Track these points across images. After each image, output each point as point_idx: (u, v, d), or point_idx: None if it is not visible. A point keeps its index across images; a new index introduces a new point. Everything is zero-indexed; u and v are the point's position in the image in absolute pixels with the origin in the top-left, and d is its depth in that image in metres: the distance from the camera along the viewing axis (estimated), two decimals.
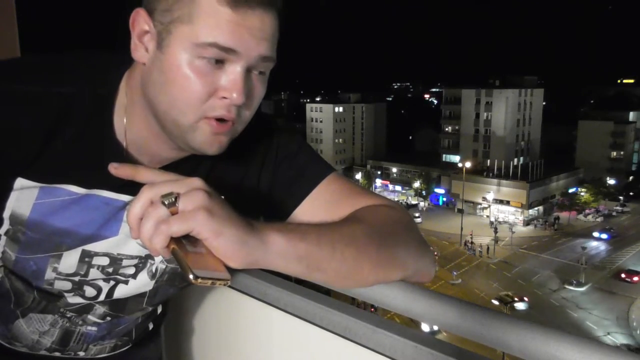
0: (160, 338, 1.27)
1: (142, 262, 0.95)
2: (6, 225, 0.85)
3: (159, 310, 1.15)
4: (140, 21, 0.75)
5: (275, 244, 0.68)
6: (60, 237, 0.87)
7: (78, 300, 0.95)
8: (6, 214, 0.84)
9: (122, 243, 0.91)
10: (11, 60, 0.89)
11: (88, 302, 0.96)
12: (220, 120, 0.75)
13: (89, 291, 0.94)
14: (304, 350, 1.16)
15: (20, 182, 0.82)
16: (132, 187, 0.85)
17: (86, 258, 0.90)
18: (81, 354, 1.04)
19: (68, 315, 0.98)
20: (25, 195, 0.83)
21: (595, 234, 49.13)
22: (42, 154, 0.79)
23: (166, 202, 0.61)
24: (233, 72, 0.72)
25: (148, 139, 0.82)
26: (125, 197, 0.87)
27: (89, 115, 0.80)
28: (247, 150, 0.94)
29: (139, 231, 0.62)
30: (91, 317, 0.99)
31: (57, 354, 1.02)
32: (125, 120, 0.82)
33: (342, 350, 1.05)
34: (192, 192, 0.62)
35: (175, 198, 0.62)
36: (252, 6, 0.71)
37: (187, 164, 0.87)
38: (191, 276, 0.58)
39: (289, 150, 0.96)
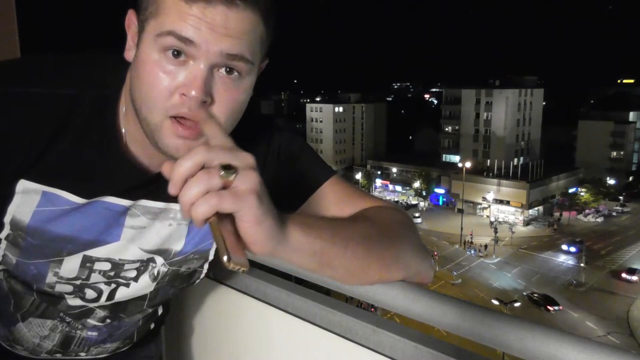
0: (160, 338, 1.27)
1: (143, 265, 0.95)
2: (7, 229, 0.85)
3: (160, 311, 1.15)
4: (131, 22, 0.77)
5: (294, 239, 0.68)
6: (60, 243, 0.86)
7: (78, 302, 0.95)
8: (7, 219, 0.84)
9: (124, 248, 0.90)
10: (13, 61, 0.88)
11: (88, 304, 0.96)
12: (185, 121, 0.73)
13: (90, 293, 0.94)
14: (304, 350, 1.16)
15: (23, 184, 0.81)
16: (133, 192, 0.86)
17: (87, 263, 0.89)
18: (82, 354, 1.05)
19: (67, 320, 0.97)
20: (27, 200, 0.82)
21: (564, 247, 46.09)
22: (45, 155, 0.79)
23: (224, 175, 0.58)
24: (194, 69, 0.71)
25: (143, 140, 0.80)
26: (126, 202, 0.86)
27: (92, 116, 0.80)
28: (247, 152, 0.92)
29: (180, 191, 0.58)
30: (91, 321, 0.99)
31: (58, 355, 1.03)
32: (124, 122, 0.82)
33: (342, 350, 1.05)
34: (249, 170, 0.60)
35: (235, 173, 0.59)
36: (211, 1, 0.69)
37: None
38: (225, 257, 0.57)
39: (291, 152, 0.96)
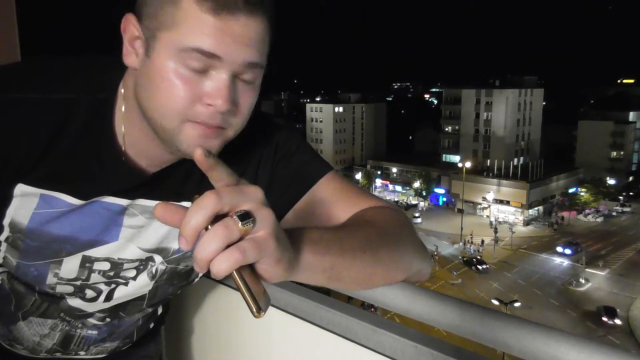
0: (160, 337, 1.27)
1: (142, 264, 0.95)
2: (6, 232, 0.85)
3: (159, 311, 1.15)
4: (130, 27, 0.75)
5: (304, 259, 0.66)
6: (59, 244, 0.87)
7: (78, 302, 0.95)
8: (6, 222, 0.84)
9: (123, 248, 0.91)
10: (10, 66, 0.88)
11: (88, 304, 0.96)
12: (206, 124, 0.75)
13: (89, 293, 0.95)
14: (304, 350, 1.16)
15: (20, 188, 0.81)
16: (131, 192, 0.86)
17: (87, 263, 0.90)
18: (82, 353, 1.05)
19: (67, 319, 0.98)
20: (25, 203, 0.83)
21: (559, 249, 46.10)
22: (43, 160, 0.79)
23: (242, 227, 0.55)
24: (218, 79, 0.72)
25: (146, 143, 0.81)
26: (123, 201, 0.87)
27: (89, 119, 0.80)
28: (245, 149, 0.92)
29: (193, 245, 0.54)
30: (91, 320, 1.00)
31: (57, 354, 1.03)
32: (123, 125, 0.81)
33: (342, 350, 1.05)
34: (264, 211, 0.57)
35: (253, 221, 0.55)
36: (234, 13, 0.69)
37: (184, 165, 0.87)
38: (255, 309, 0.54)
39: (287, 148, 0.95)
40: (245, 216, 0.55)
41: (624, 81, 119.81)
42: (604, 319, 34.16)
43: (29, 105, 0.77)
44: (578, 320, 34.60)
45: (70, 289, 0.92)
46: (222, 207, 0.54)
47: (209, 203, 0.54)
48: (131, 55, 0.76)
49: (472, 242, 47.72)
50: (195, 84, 0.72)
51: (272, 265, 0.58)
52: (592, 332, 32.29)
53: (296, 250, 0.64)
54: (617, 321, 33.98)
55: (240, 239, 0.54)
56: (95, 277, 0.92)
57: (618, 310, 34.87)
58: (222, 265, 0.53)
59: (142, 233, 0.91)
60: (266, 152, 0.94)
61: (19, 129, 0.77)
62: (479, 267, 41.77)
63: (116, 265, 0.92)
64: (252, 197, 0.57)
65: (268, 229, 0.56)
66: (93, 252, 0.89)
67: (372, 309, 21.04)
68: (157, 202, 0.90)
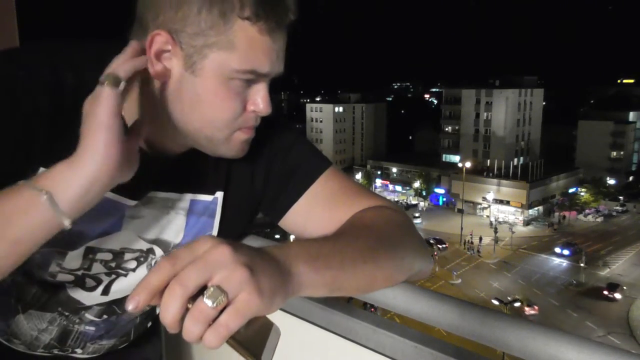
0: (160, 338, 1.26)
1: (143, 256, 0.95)
2: None
3: (158, 309, 1.13)
4: (159, 41, 0.75)
5: (305, 278, 0.66)
6: (66, 236, 0.87)
7: (77, 292, 0.95)
8: None
9: (125, 237, 0.91)
10: (13, 49, 0.87)
11: (86, 294, 0.96)
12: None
13: (89, 282, 0.95)
14: (304, 350, 1.16)
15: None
16: (140, 188, 0.86)
17: (90, 255, 0.90)
18: (78, 351, 1.04)
19: (65, 314, 0.98)
20: None
21: (557, 250, 46.45)
22: (59, 140, 0.79)
23: (215, 306, 0.53)
24: (262, 88, 0.79)
25: (160, 140, 0.84)
26: (131, 203, 0.88)
27: None
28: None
29: (181, 328, 0.54)
30: (88, 316, 0.99)
31: (54, 351, 1.03)
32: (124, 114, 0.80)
33: (342, 350, 1.05)
34: (236, 274, 0.54)
35: (224, 293, 0.53)
36: (281, 28, 0.76)
37: (190, 159, 0.89)
38: None
39: (284, 143, 0.95)
40: (216, 293, 0.53)
41: (624, 81, 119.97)
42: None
43: (38, 84, 0.77)
44: (579, 320, 34.64)
45: (71, 277, 0.93)
46: (191, 291, 0.53)
47: (176, 294, 0.53)
48: (159, 68, 0.76)
49: (471, 242, 47.85)
50: (242, 95, 0.78)
51: (267, 309, 0.58)
52: (592, 333, 32.31)
53: (296, 272, 0.64)
54: (617, 295, 37.23)
55: (226, 305, 0.53)
56: (97, 267, 0.92)
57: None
58: (213, 344, 0.53)
59: (144, 222, 0.92)
60: (263, 147, 0.93)
61: (33, 105, 0.76)
62: (439, 246, 47.20)
63: (118, 255, 0.92)
64: (218, 264, 0.54)
65: (246, 291, 0.54)
66: (96, 243, 0.90)
67: (372, 309, 21.04)
68: (160, 193, 0.91)
